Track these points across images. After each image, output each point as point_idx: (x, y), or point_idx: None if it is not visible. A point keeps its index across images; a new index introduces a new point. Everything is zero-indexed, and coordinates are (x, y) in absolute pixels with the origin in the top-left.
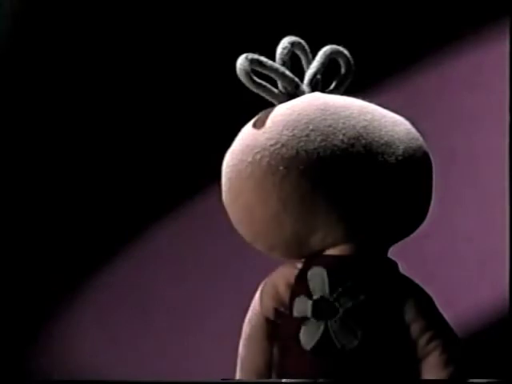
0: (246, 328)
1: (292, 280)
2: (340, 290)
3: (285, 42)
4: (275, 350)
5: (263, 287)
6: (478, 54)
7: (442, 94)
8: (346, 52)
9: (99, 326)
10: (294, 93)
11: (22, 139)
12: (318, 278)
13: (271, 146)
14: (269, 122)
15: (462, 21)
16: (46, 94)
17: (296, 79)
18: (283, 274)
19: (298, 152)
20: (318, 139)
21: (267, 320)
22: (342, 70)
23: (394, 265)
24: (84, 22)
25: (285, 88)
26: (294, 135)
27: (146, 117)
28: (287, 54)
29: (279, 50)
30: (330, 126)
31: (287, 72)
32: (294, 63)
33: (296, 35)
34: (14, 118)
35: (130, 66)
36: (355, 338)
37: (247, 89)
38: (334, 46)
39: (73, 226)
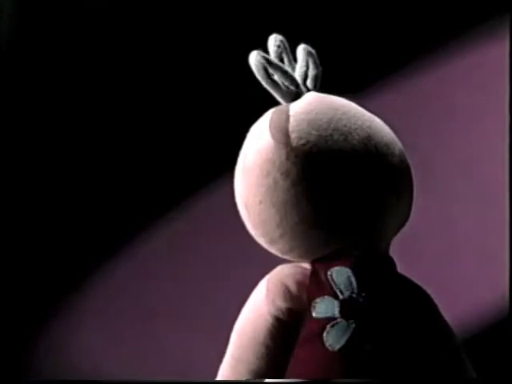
0: (246, 329)
1: (305, 280)
2: (367, 289)
3: (276, 40)
4: (286, 351)
5: (270, 287)
6: (477, 53)
7: (442, 94)
8: (313, 50)
9: (99, 326)
10: (295, 92)
11: (22, 139)
12: (343, 277)
13: (303, 145)
14: (292, 121)
15: (462, 21)
16: (46, 94)
17: (297, 78)
18: (291, 275)
19: (327, 152)
20: (341, 139)
21: (278, 320)
22: (317, 68)
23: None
24: (84, 22)
25: (287, 87)
26: (320, 135)
27: (146, 117)
28: (282, 52)
29: (273, 48)
30: (345, 125)
31: (290, 71)
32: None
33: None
34: (14, 118)
35: (132, 68)
36: (382, 337)
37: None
38: (304, 44)
39: (72, 226)
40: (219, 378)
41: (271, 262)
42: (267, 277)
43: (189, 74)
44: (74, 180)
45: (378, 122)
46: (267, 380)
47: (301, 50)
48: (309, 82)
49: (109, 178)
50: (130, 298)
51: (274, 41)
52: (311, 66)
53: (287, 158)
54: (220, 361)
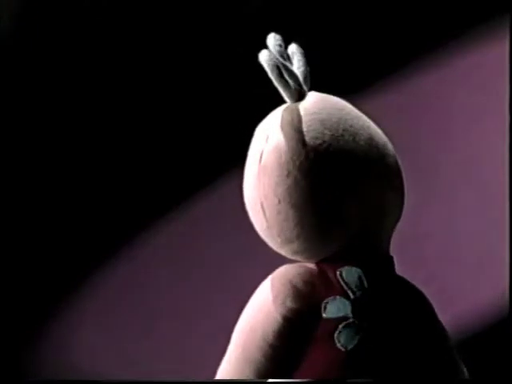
0: (252, 329)
1: (313, 280)
2: (376, 288)
3: (277, 39)
4: (294, 352)
5: (279, 288)
6: (477, 53)
7: (442, 94)
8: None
9: (99, 326)
10: (299, 91)
11: (22, 139)
12: (354, 277)
13: (320, 145)
14: (306, 120)
15: (462, 21)
16: (46, 93)
17: (299, 78)
18: (299, 275)
19: (340, 152)
20: (350, 139)
21: (288, 321)
22: (307, 68)
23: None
24: (84, 22)
25: (293, 86)
26: (333, 134)
27: (146, 117)
28: (283, 51)
29: (275, 47)
30: (351, 126)
31: (294, 70)
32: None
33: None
34: (15, 118)
35: (132, 67)
36: (391, 337)
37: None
38: (296, 44)
39: (72, 226)
40: (219, 378)
41: (272, 262)
42: (271, 277)
43: (187, 74)
44: (74, 180)
45: (372, 123)
46: (270, 380)
47: (295, 49)
48: (306, 81)
49: (109, 178)
50: (129, 298)
51: (274, 40)
52: (304, 64)
53: (306, 157)
54: (220, 361)
